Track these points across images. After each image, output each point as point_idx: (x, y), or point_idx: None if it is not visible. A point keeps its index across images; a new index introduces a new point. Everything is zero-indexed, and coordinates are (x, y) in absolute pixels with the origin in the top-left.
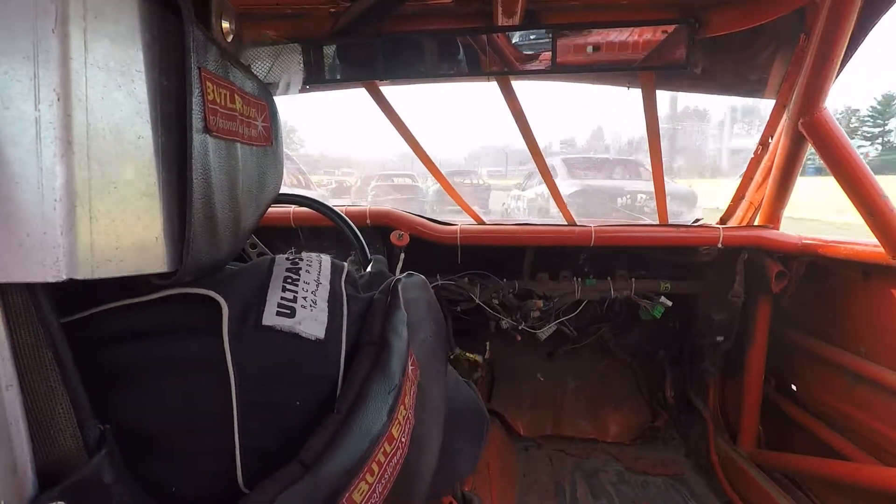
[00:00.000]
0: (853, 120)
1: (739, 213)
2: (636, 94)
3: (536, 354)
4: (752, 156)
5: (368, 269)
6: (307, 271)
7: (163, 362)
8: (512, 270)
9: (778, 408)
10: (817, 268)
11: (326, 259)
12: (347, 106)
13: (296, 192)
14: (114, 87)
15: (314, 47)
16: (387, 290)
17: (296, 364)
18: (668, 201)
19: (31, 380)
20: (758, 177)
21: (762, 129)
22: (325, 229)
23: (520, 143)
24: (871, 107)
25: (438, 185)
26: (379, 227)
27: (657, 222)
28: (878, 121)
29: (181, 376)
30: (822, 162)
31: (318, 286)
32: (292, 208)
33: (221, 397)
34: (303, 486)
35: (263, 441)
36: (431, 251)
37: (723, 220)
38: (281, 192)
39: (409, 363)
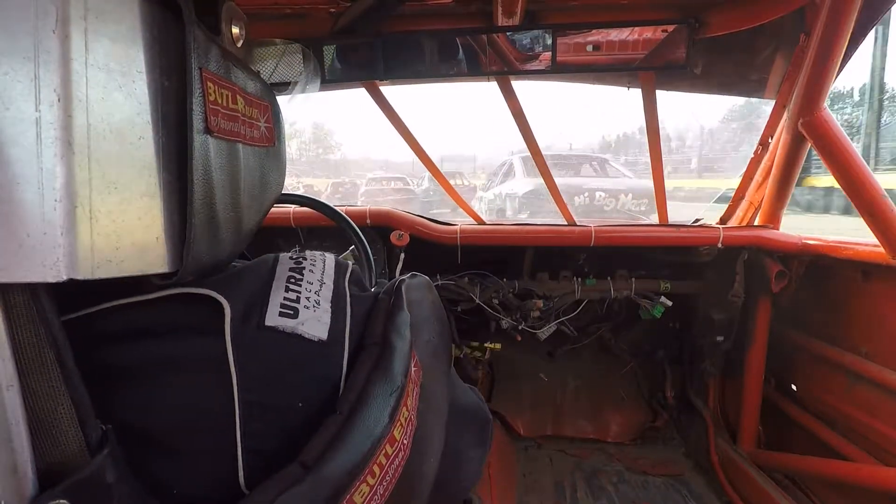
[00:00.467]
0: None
1: (739, 212)
2: (636, 93)
3: (537, 354)
4: (752, 156)
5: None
6: (311, 271)
7: (164, 362)
8: (512, 270)
9: (778, 408)
10: (817, 268)
11: (330, 258)
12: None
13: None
14: (114, 88)
15: (314, 47)
16: (390, 291)
17: (298, 365)
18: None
19: (32, 380)
20: (758, 177)
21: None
22: (326, 229)
23: (489, 150)
24: None
25: (426, 187)
26: (379, 227)
27: (657, 222)
28: None
29: (183, 376)
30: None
31: (321, 286)
32: (292, 208)
33: (223, 398)
34: (304, 488)
35: (265, 442)
36: (431, 251)
37: (723, 220)
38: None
39: (412, 364)
